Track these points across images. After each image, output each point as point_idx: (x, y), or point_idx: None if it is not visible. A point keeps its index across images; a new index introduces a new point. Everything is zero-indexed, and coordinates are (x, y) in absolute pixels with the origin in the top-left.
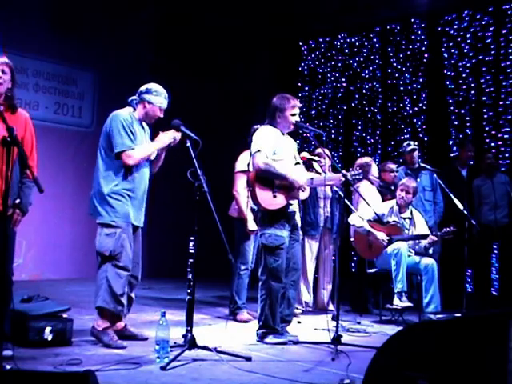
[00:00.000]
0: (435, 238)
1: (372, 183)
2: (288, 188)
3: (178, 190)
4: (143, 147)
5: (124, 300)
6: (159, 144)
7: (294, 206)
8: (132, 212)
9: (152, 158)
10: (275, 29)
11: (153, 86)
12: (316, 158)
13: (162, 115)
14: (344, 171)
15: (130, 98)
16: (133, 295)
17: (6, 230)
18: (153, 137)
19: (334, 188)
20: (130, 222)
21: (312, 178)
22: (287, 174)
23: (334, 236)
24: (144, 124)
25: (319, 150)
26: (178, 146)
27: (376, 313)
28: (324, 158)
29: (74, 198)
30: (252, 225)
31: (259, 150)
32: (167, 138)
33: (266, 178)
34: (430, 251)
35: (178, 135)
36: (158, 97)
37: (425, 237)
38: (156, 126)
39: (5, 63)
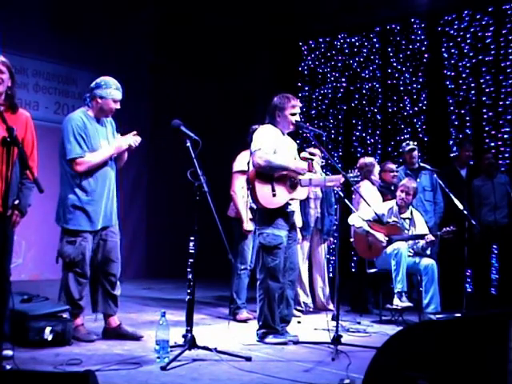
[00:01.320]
0: (432, 238)
1: (373, 184)
2: (289, 184)
3: (177, 190)
4: (96, 154)
5: (82, 303)
6: (114, 150)
7: (293, 206)
8: (97, 217)
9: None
10: (275, 29)
11: (102, 79)
12: (316, 158)
13: (118, 106)
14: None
15: (85, 96)
16: (116, 293)
17: (6, 230)
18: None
19: (334, 188)
20: (94, 229)
21: (310, 179)
22: (288, 163)
23: (324, 237)
24: (106, 120)
25: (311, 150)
26: (179, 146)
27: (376, 313)
28: (315, 156)
29: None
30: (248, 225)
31: (259, 149)
32: (123, 144)
33: (266, 177)
34: (428, 252)
35: (137, 141)
36: (108, 89)
37: (424, 236)
38: (156, 126)
39: (1, 62)
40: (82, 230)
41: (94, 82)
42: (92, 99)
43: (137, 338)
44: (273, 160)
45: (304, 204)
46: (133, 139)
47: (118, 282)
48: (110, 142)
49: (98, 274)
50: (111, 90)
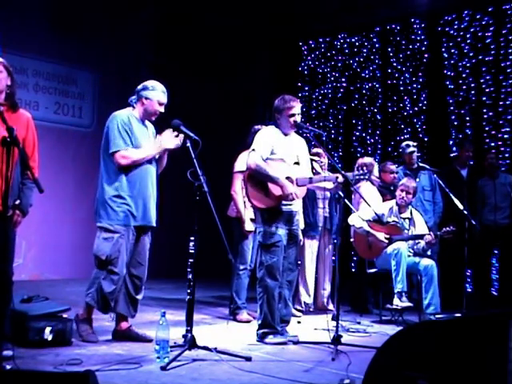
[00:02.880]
0: (430, 238)
1: (373, 184)
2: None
3: (177, 190)
4: (139, 150)
5: (112, 303)
6: (156, 150)
7: (294, 206)
8: (136, 213)
9: (156, 156)
10: (275, 29)
11: (149, 82)
12: (316, 158)
13: (162, 110)
14: (349, 174)
15: (130, 98)
16: (139, 297)
17: (7, 230)
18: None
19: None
20: (131, 225)
21: (311, 178)
22: (278, 178)
23: (333, 236)
24: (147, 123)
25: (316, 150)
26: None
27: (376, 313)
28: (323, 158)
29: (74, 198)
30: (249, 225)
31: (254, 150)
32: (169, 144)
33: (259, 177)
34: (429, 252)
35: (181, 139)
36: (154, 91)
37: (423, 236)
38: (156, 126)
39: None
40: (120, 225)
41: (140, 85)
42: (138, 100)
43: (146, 340)
44: (263, 168)
45: (312, 204)
46: (177, 139)
47: (143, 287)
48: None
49: (124, 275)
50: (158, 92)
